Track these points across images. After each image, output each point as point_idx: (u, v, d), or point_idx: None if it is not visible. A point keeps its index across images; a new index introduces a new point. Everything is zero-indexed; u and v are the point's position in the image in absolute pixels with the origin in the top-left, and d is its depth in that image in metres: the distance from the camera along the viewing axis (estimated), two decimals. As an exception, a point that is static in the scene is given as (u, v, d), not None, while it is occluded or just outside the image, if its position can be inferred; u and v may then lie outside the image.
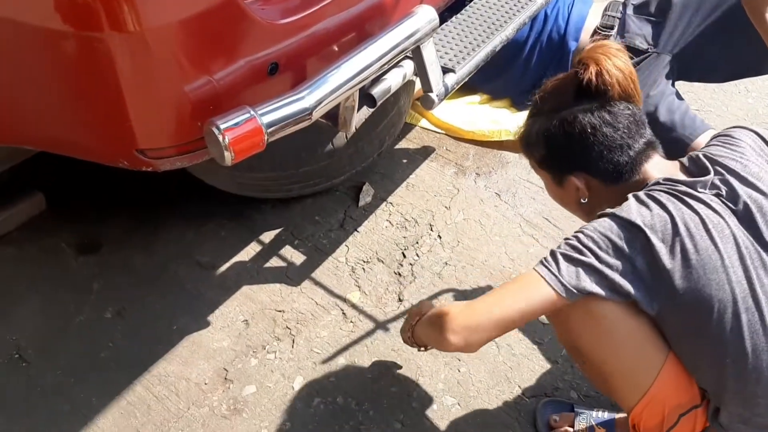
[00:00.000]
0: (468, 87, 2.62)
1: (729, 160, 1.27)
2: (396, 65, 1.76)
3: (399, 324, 1.81)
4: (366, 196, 2.19)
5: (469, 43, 1.88)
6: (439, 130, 2.49)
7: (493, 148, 2.41)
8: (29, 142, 1.57)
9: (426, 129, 2.50)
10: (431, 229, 2.10)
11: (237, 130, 1.28)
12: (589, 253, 1.20)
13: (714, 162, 1.28)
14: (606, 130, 1.27)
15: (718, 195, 1.23)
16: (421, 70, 1.70)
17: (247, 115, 1.30)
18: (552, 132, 1.33)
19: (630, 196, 1.23)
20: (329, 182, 2.12)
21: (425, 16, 1.62)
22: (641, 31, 2.34)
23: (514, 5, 2.04)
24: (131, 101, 1.30)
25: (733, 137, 1.34)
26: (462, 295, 1.89)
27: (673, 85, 2.26)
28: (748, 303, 1.16)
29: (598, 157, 1.29)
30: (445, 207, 2.18)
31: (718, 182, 1.24)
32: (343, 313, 1.85)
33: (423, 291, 1.91)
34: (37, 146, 1.57)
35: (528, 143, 1.40)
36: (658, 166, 1.31)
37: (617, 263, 1.19)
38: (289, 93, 1.38)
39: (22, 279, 1.91)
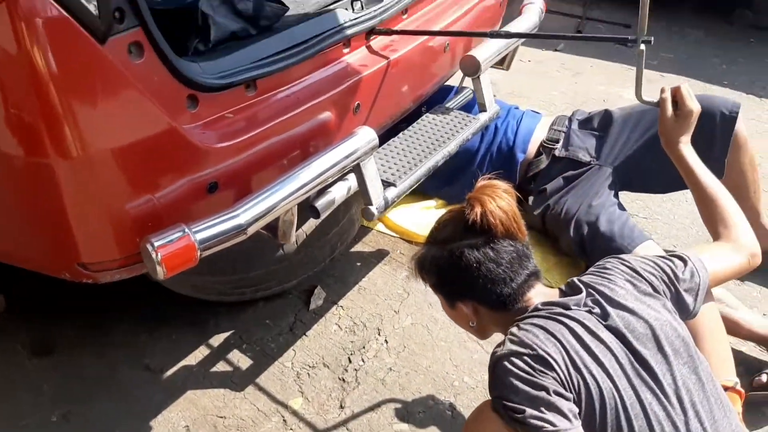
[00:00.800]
0: (423, 193, 2.75)
1: (599, 285, 1.39)
2: (341, 179, 1.87)
3: None
4: (317, 299, 2.25)
5: (412, 158, 1.99)
6: (394, 234, 2.59)
7: (445, 254, 2.50)
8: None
9: (381, 232, 2.59)
10: (378, 334, 2.16)
11: (169, 247, 1.36)
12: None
13: (587, 285, 1.40)
14: (489, 265, 1.38)
15: (590, 311, 1.34)
16: (361, 185, 1.80)
17: (180, 233, 1.38)
18: (442, 263, 1.44)
19: (512, 327, 1.34)
20: (280, 286, 2.19)
21: (364, 137, 1.74)
22: (584, 145, 2.49)
23: (458, 123, 2.17)
24: (74, 219, 1.38)
25: (605, 267, 1.47)
26: (403, 404, 1.93)
27: (616, 195, 2.38)
28: (636, 409, 1.24)
29: (483, 288, 1.40)
30: (394, 311, 2.24)
31: (590, 302, 1.36)
32: (284, 420, 1.88)
33: (365, 398, 1.95)
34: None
35: (422, 268, 1.51)
36: (540, 294, 1.42)
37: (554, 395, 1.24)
38: (225, 211, 1.47)
39: (-28, 381, 1.95)
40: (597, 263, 1.50)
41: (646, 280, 1.42)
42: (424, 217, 2.64)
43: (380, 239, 2.56)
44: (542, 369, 1.25)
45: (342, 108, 1.81)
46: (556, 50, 4.13)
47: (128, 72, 1.34)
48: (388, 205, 1.85)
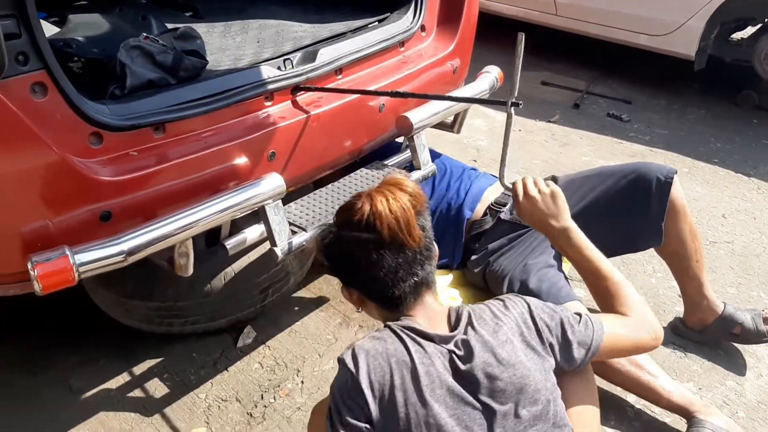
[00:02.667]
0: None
1: (483, 325, 1.38)
2: (255, 221, 2.00)
3: (230, 462, 1.91)
4: (246, 338, 2.35)
5: (332, 207, 2.11)
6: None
7: (384, 305, 2.57)
8: None
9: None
10: (297, 374, 2.23)
11: (47, 266, 1.51)
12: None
13: (469, 323, 1.39)
14: (374, 268, 1.37)
15: (451, 353, 1.35)
16: (267, 228, 1.92)
17: (60, 253, 1.53)
18: (331, 247, 1.45)
19: (373, 331, 1.39)
20: (209, 323, 2.30)
21: (271, 183, 1.87)
22: None
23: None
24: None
25: (505, 304, 1.47)
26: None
27: (557, 257, 2.42)
28: None
29: (366, 284, 1.42)
30: (318, 355, 2.32)
31: (459, 342, 1.36)
32: (182, 448, 1.96)
33: (274, 419, 2.02)
34: None
35: (318, 246, 1.52)
36: (426, 307, 1.42)
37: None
38: (111, 237, 1.61)
39: None
40: (502, 296, 1.51)
41: (537, 329, 1.42)
42: None
43: (324, 286, 2.66)
44: (353, 395, 1.31)
45: (255, 154, 1.95)
46: (549, 121, 4.21)
47: (27, 109, 1.51)
48: (292, 249, 1.96)
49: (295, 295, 2.60)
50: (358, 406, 1.30)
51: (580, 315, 1.51)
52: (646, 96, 4.59)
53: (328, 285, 2.67)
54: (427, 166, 2.39)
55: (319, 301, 2.58)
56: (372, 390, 1.29)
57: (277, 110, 2.04)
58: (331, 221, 1.51)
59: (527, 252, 2.42)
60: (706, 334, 2.37)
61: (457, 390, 1.30)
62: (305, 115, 2.07)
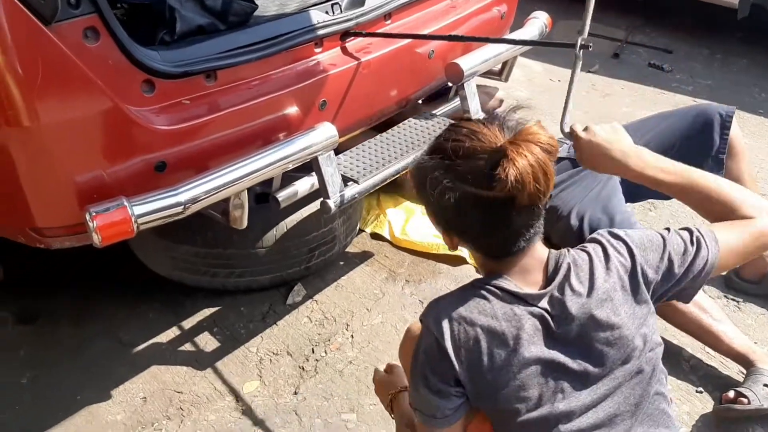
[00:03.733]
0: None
1: (582, 279, 1.25)
2: (307, 174, 1.95)
3: (286, 416, 1.90)
4: (296, 295, 2.32)
5: (382, 159, 2.05)
6: (410, 251, 2.57)
7: (430, 259, 2.53)
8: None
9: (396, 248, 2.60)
10: (346, 329, 2.20)
11: (106, 217, 1.47)
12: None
13: (567, 277, 1.25)
14: (496, 228, 1.22)
15: (543, 314, 1.23)
16: (319, 179, 1.87)
17: (118, 204, 1.49)
18: (446, 197, 1.22)
19: (470, 288, 1.27)
20: (253, 278, 2.26)
21: (323, 132, 1.81)
22: None
23: (437, 130, 2.21)
24: (28, 186, 1.51)
25: (605, 250, 1.30)
26: (355, 396, 1.97)
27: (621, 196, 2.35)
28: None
29: (474, 237, 1.27)
30: (367, 309, 2.28)
31: (554, 301, 1.24)
32: (237, 400, 1.94)
33: (320, 386, 1.99)
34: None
35: (421, 186, 1.28)
36: (529, 257, 1.27)
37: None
38: (168, 188, 1.57)
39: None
40: (593, 237, 1.34)
41: (642, 274, 1.28)
42: (413, 221, 2.67)
43: (367, 241, 2.62)
44: (440, 359, 1.24)
45: (306, 103, 1.89)
46: (589, 71, 4.09)
47: (81, 54, 1.46)
48: (345, 202, 1.91)
49: (339, 249, 2.56)
50: (445, 370, 1.25)
51: (689, 232, 1.33)
52: (687, 45, 4.43)
53: (370, 240, 2.62)
54: (478, 116, 2.32)
55: (364, 257, 2.54)
56: (458, 355, 1.22)
57: (327, 57, 1.97)
58: (438, 160, 1.25)
59: (591, 186, 2.34)
60: (762, 285, 2.32)
61: (547, 354, 1.22)
62: (355, 62, 2.00)
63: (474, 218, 1.23)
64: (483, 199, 1.19)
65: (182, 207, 1.56)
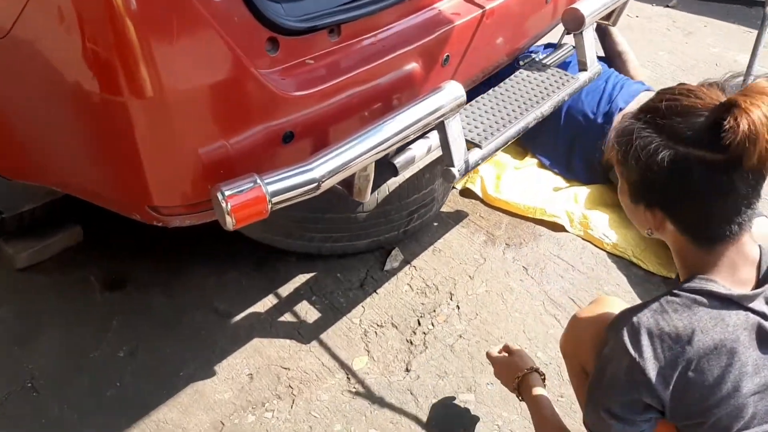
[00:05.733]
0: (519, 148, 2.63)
1: None
2: (422, 136, 1.77)
3: (401, 396, 1.79)
4: (393, 261, 2.18)
5: (501, 118, 1.86)
6: (503, 210, 2.43)
7: (527, 220, 2.38)
8: (59, 185, 1.65)
9: (490, 206, 2.46)
10: (451, 298, 2.07)
11: (240, 197, 1.31)
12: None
13: None
14: (715, 197, 1.06)
15: (760, 319, 1.08)
16: (444, 145, 1.69)
17: (251, 184, 1.32)
18: (657, 163, 1.07)
19: (675, 297, 1.11)
20: (350, 242, 2.12)
21: (452, 92, 1.62)
22: None
23: (554, 82, 2.02)
24: (147, 161, 1.34)
25: None
26: (471, 374, 1.85)
27: None
28: None
29: (690, 215, 1.10)
30: (469, 276, 2.15)
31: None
32: (348, 378, 1.83)
33: (432, 363, 1.88)
34: (65, 190, 1.64)
35: (625, 152, 1.13)
36: (739, 250, 1.11)
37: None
38: (299, 163, 1.40)
39: (47, 308, 1.99)
40: None
41: None
42: (527, 183, 2.50)
43: (459, 200, 2.46)
44: (637, 385, 1.10)
45: (430, 59, 1.70)
46: (667, 6, 3.83)
47: (207, 11, 1.26)
48: (469, 168, 1.74)
49: (431, 208, 2.40)
50: (637, 397, 1.11)
51: None
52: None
53: (462, 198, 2.46)
54: (594, 66, 2.11)
55: (458, 216, 2.39)
56: (663, 379, 1.08)
57: (449, 5, 1.77)
58: (647, 121, 1.10)
59: None
60: None
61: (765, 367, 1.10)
62: (480, 10, 1.79)
63: (689, 186, 1.06)
64: (704, 162, 1.03)
65: (317, 183, 1.40)
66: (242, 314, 2.00)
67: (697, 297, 1.10)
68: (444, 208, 2.41)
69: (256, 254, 2.16)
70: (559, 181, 2.54)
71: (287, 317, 2.00)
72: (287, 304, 2.04)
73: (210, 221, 1.45)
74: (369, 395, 1.79)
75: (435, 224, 2.34)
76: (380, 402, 1.78)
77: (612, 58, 2.81)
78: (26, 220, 2.07)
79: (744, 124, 0.98)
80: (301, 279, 2.12)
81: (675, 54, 3.37)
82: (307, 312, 2.02)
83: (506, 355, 1.67)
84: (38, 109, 1.47)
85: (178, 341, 1.91)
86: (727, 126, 0.99)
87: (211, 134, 1.36)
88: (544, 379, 1.58)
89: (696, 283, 1.11)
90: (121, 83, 1.26)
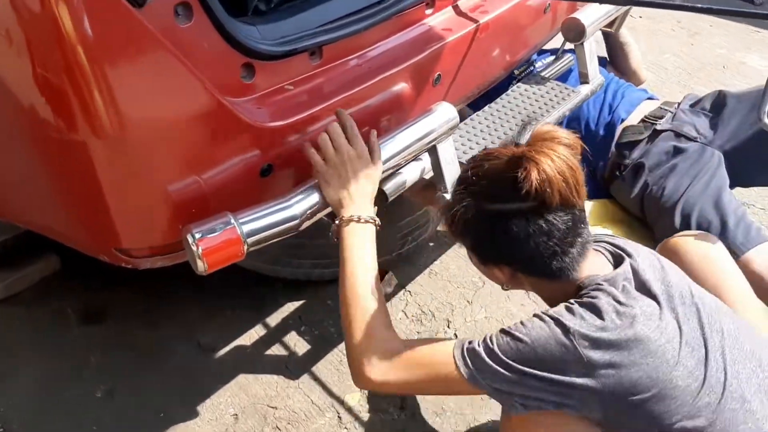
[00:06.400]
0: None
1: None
2: (414, 159, 1.66)
3: (396, 435, 1.68)
4: (386, 286, 2.07)
5: (498, 138, 1.76)
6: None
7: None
8: (25, 223, 1.55)
9: None
10: (448, 326, 1.97)
11: (212, 240, 1.21)
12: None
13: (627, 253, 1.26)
14: (540, 239, 1.17)
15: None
16: (436, 169, 1.59)
17: (224, 225, 1.22)
18: (480, 225, 1.21)
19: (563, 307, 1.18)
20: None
21: (444, 115, 1.51)
22: (692, 121, 2.18)
23: (554, 96, 1.91)
24: (112, 201, 1.24)
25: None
26: (470, 411, 1.74)
27: (729, 184, 2.07)
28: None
29: (528, 260, 1.20)
30: (467, 301, 2.04)
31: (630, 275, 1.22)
32: (339, 417, 1.73)
33: (428, 399, 1.77)
34: (34, 228, 1.54)
35: (452, 220, 1.25)
36: (590, 264, 1.23)
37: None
38: (276, 200, 1.30)
39: (23, 344, 1.88)
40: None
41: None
42: None
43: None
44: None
45: (420, 79, 1.58)
46: (670, 6, 3.70)
47: (172, 38, 1.15)
48: (465, 193, 1.63)
49: (427, 227, 2.29)
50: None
51: None
52: (776, -26, 4.01)
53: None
54: (596, 79, 2.00)
55: (455, 235, 2.28)
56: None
57: (440, 21, 1.66)
58: (461, 192, 1.24)
59: (699, 174, 2.05)
60: None
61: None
62: (473, 25, 1.68)
63: (515, 236, 1.17)
64: (518, 212, 1.16)
65: (297, 221, 1.29)
66: (227, 348, 1.89)
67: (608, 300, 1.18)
68: (440, 228, 2.30)
69: (242, 282, 2.05)
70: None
71: (275, 350, 1.89)
72: (275, 335, 1.93)
73: (181, 261, 1.35)
74: (361, 438, 1.69)
75: (431, 245, 2.23)
76: (373, 448, 1.68)
77: (613, 50, 2.67)
78: (0, 252, 1.97)
79: (534, 173, 1.11)
80: (289, 308, 2.01)
81: (680, 56, 3.26)
82: (296, 344, 1.91)
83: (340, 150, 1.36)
84: (2, 146, 1.36)
85: (159, 378, 1.80)
86: (521, 177, 1.12)
87: (180, 171, 1.25)
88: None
89: (590, 294, 1.19)
90: (79, 121, 1.15)
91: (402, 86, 1.55)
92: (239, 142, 1.29)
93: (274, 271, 2.00)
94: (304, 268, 1.99)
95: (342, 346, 1.90)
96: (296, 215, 1.29)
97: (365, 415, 1.73)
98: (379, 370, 1.24)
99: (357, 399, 1.77)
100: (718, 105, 2.18)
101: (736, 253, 1.84)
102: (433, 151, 1.55)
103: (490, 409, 1.74)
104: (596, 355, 1.12)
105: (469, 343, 1.19)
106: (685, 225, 1.96)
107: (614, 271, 1.22)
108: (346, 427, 1.70)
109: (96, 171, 1.20)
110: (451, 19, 1.67)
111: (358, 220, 1.33)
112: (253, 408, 1.74)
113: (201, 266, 1.22)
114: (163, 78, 1.16)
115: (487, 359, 1.16)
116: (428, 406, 1.76)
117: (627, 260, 1.24)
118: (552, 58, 2.23)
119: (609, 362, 1.12)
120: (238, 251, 1.24)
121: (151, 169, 1.23)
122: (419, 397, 1.77)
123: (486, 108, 1.87)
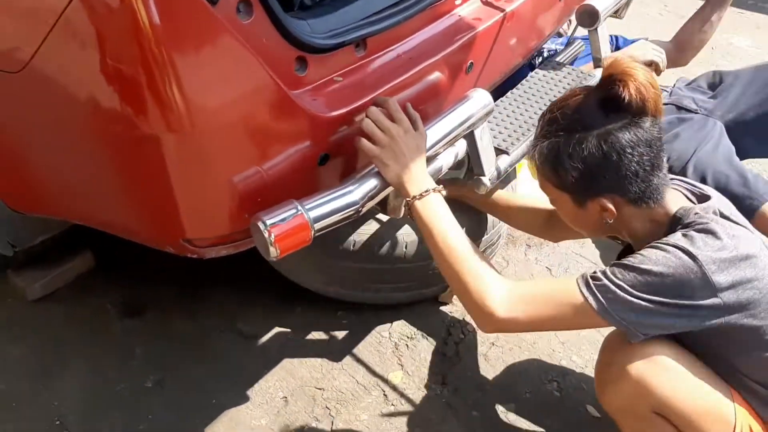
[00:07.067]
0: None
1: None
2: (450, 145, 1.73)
3: (441, 411, 1.76)
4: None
5: (524, 122, 1.83)
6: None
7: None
8: (84, 220, 1.58)
9: None
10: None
11: (283, 227, 1.27)
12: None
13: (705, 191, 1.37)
14: (642, 149, 1.25)
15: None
16: (473, 154, 1.66)
17: (294, 211, 1.28)
18: (588, 152, 1.27)
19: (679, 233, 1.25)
20: (419, 290, 1.98)
21: (480, 100, 1.58)
22: (691, 96, 2.28)
23: (572, 81, 1.99)
24: (180, 193, 1.29)
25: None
26: (509, 383, 1.83)
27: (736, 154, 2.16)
28: None
29: (632, 177, 1.27)
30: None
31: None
32: (385, 395, 1.80)
33: (468, 374, 1.85)
34: (90, 224, 1.58)
35: (553, 166, 1.33)
36: (674, 196, 1.33)
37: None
38: (337, 187, 1.36)
39: (67, 340, 1.92)
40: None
41: None
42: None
43: (475, 201, 2.43)
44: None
45: (455, 68, 1.65)
46: (657, -10, 3.81)
47: (240, 33, 1.21)
48: (500, 176, 1.71)
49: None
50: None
51: None
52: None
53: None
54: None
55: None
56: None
57: (470, 11, 1.72)
58: (553, 135, 1.32)
59: (703, 138, 2.14)
60: None
61: None
62: (500, 14, 1.75)
63: (621, 152, 1.25)
64: (622, 127, 1.25)
65: (358, 206, 1.36)
66: (268, 335, 1.95)
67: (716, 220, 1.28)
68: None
69: (276, 272, 2.10)
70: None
71: (315, 335, 1.96)
72: (313, 321, 1.99)
73: (245, 250, 1.41)
74: (408, 412, 1.76)
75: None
76: (421, 418, 1.75)
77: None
78: (37, 251, 2.00)
79: (631, 83, 1.22)
80: (324, 296, 2.07)
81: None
82: (335, 328, 1.97)
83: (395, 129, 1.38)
84: (58, 143, 1.40)
85: (205, 367, 1.86)
86: (620, 92, 1.22)
87: (246, 162, 1.31)
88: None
89: (692, 217, 1.29)
90: (152, 114, 1.19)
91: (438, 75, 1.62)
92: (301, 132, 1.34)
93: (355, 297, 1.97)
94: (384, 293, 1.95)
95: (379, 327, 1.98)
96: (356, 200, 1.35)
97: (409, 392, 1.80)
98: (505, 309, 1.26)
99: (400, 377, 1.84)
100: (714, 82, 2.29)
101: (754, 205, 1.93)
102: (470, 137, 1.62)
103: (529, 381, 1.83)
104: (721, 277, 1.19)
105: (593, 278, 1.24)
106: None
107: (705, 203, 1.31)
108: (392, 404, 1.78)
109: (166, 164, 1.25)
110: (480, 9, 1.74)
111: (426, 193, 1.37)
112: (302, 390, 1.81)
113: (273, 252, 1.27)
114: (234, 71, 1.21)
115: (619, 292, 1.21)
116: (468, 380, 1.83)
117: (711, 195, 1.33)
118: (559, 42, 2.31)
119: (731, 282, 1.20)
120: (306, 236, 1.30)
121: (218, 160, 1.28)
122: (458, 371, 1.85)
123: (509, 94, 1.94)
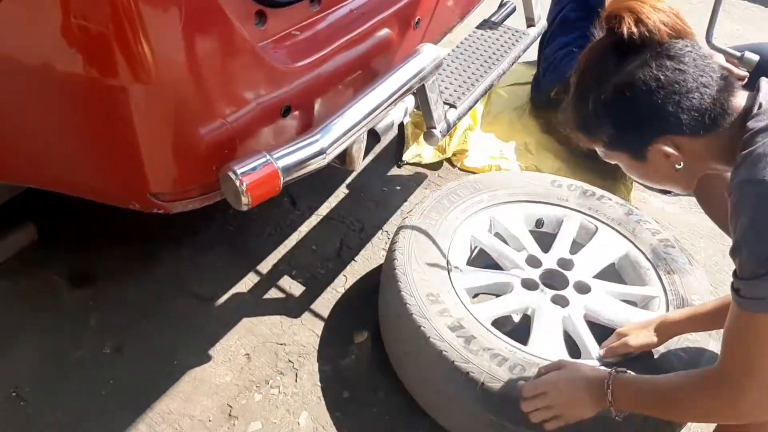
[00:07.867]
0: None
1: None
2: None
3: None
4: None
5: (468, 78, 1.91)
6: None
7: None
8: (39, 182, 1.54)
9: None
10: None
11: (254, 175, 1.29)
12: None
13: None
14: (673, 76, 1.09)
15: None
16: (424, 107, 1.72)
17: (264, 160, 1.31)
18: (610, 104, 1.14)
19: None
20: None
21: (430, 54, 1.64)
22: None
23: (508, 39, 2.09)
24: (146, 147, 1.29)
25: None
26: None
27: None
28: None
29: (676, 110, 1.10)
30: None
31: None
32: (345, 346, 1.85)
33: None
34: (45, 187, 1.54)
35: (586, 128, 1.21)
36: (746, 99, 1.14)
37: None
38: (304, 136, 1.39)
39: (16, 313, 1.87)
40: None
41: None
42: (497, 145, 2.59)
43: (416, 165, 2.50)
44: None
45: (404, 23, 1.71)
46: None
47: (202, -16, 1.22)
48: (450, 128, 1.78)
49: (391, 173, 2.44)
50: None
51: None
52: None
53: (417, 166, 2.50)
54: (541, 21, 2.19)
55: (418, 179, 2.44)
56: None
57: (415, -32, 1.77)
58: (577, 103, 1.20)
59: None
60: None
61: None
62: (442, -27, 1.81)
63: (654, 94, 1.10)
64: (637, 68, 1.10)
65: (324, 155, 1.39)
66: (225, 296, 1.96)
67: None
68: (404, 172, 2.44)
69: (226, 235, 2.12)
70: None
71: (272, 294, 1.98)
72: (269, 280, 2.02)
73: (212, 203, 1.42)
74: (369, 360, 1.82)
75: (397, 188, 2.37)
76: (380, 365, 1.81)
77: None
78: (-25, 225, 1.93)
79: (627, 18, 1.08)
80: (276, 255, 2.10)
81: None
82: (290, 287, 2.01)
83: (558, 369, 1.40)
84: (14, 100, 1.37)
85: (164, 330, 1.86)
86: (618, 30, 1.09)
87: (213, 113, 1.32)
88: None
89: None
90: (119, 66, 1.19)
91: (389, 30, 1.67)
92: (265, 84, 1.37)
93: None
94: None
95: (334, 283, 2.02)
96: (324, 148, 1.39)
97: (368, 342, 1.86)
98: (739, 390, 1.11)
99: (365, 336, 1.89)
100: None
101: None
102: (421, 90, 1.68)
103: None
104: None
105: (737, 293, 1.08)
106: None
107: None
108: (353, 354, 1.83)
109: (133, 116, 1.25)
110: (423, -32, 1.80)
111: (609, 388, 1.29)
112: (263, 346, 1.83)
113: (245, 200, 1.30)
114: (200, 22, 1.22)
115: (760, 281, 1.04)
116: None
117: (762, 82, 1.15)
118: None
119: None
120: (276, 185, 1.33)
121: (185, 111, 1.29)
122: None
123: (451, 51, 2.02)
